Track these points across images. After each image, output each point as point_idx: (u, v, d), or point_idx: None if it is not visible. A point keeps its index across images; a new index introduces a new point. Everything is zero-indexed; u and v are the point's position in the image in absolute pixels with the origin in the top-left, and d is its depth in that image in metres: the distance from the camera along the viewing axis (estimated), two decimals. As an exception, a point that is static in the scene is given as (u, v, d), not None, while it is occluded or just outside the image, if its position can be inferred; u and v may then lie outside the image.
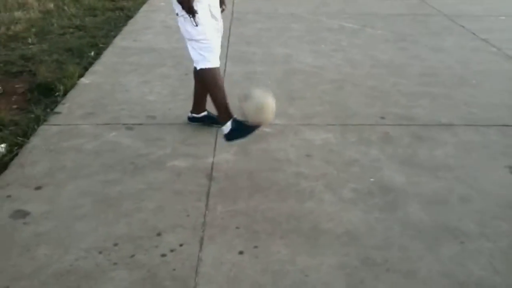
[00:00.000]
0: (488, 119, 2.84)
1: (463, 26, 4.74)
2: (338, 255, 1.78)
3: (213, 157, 2.40)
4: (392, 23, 4.82)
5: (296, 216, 1.99)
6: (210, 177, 2.24)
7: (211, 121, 2.66)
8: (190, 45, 2.32)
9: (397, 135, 2.65)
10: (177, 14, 2.27)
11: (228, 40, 4.07)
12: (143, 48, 3.96)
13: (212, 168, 2.31)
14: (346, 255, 1.78)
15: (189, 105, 2.69)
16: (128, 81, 3.30)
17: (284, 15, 5.04)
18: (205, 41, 2.27)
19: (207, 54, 2.29)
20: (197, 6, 2.18)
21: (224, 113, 2.32)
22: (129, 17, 4.82)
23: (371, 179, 2.25)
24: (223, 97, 2.33)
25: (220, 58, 3.64)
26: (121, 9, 5.05)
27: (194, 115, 2.68)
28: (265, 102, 2.21)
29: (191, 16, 2.18)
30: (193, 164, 2.34)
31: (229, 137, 2.34)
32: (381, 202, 2.08)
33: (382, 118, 2.86)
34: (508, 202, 2.09)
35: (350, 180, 2.25)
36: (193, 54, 2.32)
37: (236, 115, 2.31)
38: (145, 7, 5.17)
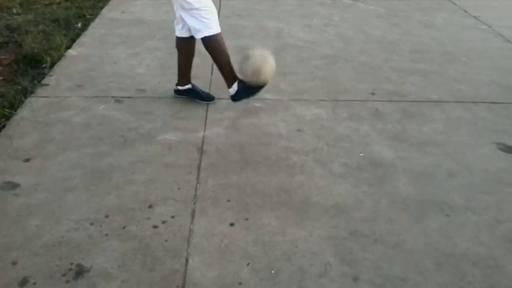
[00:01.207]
0: (477, 96, 2.87)
1: (454, 3, 4.72)
2: (327, 227, 1.81)
3: (204, 131, 2.40)
4: (385, -1, 4.77)
5: (286, 189, 2.02)
6: (201, 151, 2.24)
7: (194, 96, 2.65)
8: (189, 15, 2.30)
9: (387, 111, 2.66)
10: None
11: (219, 14, 3.98)
12: (131, 20, 3.87)
13: (203, 142, 2.31)
14: (335, 227, 1.81)
15: (180, 77, 2.66)
16: (117, 54, 3.24)
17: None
18: (205, 8, 2.28)
19: (208, 20, 2.30)
20: None
21: (230, 76, 2.43)
22: (117, -12, 4.68)
23: (361, 154, 2.27)
24: (228, 61, 2.42)
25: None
26: (109, -21, 4.90)
27: (179, 87, 2.66)
28: (262, 65, 2.30)
29: None
30: (183, 138, 2.33)
31: (235, 97, 2.47)
32: (370, 177, 2.11)
33: (373, 94, 2.87)
34: (494, 177, 2.14)
35: (340, 154, 2.27)
36: (193, 23, 2.31)
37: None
38: (133, -22, 5.03)
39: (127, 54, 3.23)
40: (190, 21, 2.33)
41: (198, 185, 2.01)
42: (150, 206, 1.88)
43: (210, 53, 2.43)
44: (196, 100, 2.64)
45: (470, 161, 2.24)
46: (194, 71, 2.96)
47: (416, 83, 3.02)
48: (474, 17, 4.33)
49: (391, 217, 1.87)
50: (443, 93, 2.90)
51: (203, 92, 2.68)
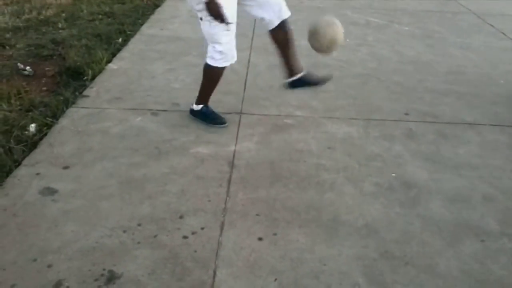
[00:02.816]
0: (515, 120, 2.79)
1: (492, 25, 4.63)
2: (356, 246, 1.79)
3: (235, 145, 2.44)
4: (420, 20, 4.75)
5: (315, 206, 2.01)
6: (231, 165, 2.27)
7: (309, 83, 2.65)
8: (211, 46, 2.36)
9: (420, 132, 2.63)
10: (201, 19, 2.27)
11: (253, 31, 4.08)
12: (169, 37, 4.01)
13: (234, 156, 2.34)
14: (365, 247, 1.79)
15: (214, 92, 2.71)
16: (154, 68, 3.36)
17: (310, 8, 5.01)
18: (218, 45, 2.32)
19: (227, 55, 2.35)
20: (224, 7, 2.18)
21: (203, 99, 2.60)
22: (157, 6, 4.88)
23: (393, 174, 2.24)
24: (211, 92, 2.57)
25: (245, 49, 3.68)
26: (149, -3, 5.12)
27: (293, 79, 2.63)
28: (334, 33, 2.41)
29: (220, 21, 2.20)
30: (215, 152, 2.38)
31: (193, 113, 2.64)
32: (402, 197, 2.08)
33: (406, 114, 2.84)
34: (532, 204, 2.06)
35: (371, 174, 2.25)
36: (211, 52, 2.36)
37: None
38: (172, -4, 5.23)
39: (164, 69, 3.34)
40: (208, 48, 2.37)
41: (228, 198, 2.04)
42: (181, 217, 1.92)
43: (205, 78, 2.51)
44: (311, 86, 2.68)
45: (507, 186, 2.17)
46: (228, 87, 3.04)
47: (451, 104, 2.97)
48: (513, 39, 4.23)
49: (423, 240, 1.83)
50: (478, 115, 2.83)
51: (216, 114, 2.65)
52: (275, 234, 1.85)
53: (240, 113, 2.77)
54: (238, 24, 2.36)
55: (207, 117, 2.61)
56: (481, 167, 2.31)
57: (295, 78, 2.64)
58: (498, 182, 2.20)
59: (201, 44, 3.83)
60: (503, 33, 4.41)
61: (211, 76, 2.48)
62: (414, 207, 2.01)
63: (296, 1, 5.22)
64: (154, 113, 2.74)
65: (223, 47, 2.32)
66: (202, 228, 1.85)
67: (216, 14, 2.18)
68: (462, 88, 3.19)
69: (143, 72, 3.29)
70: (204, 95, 2.59)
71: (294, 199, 2.06)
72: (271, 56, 3.63)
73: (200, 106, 2.61)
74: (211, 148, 2.41)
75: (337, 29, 2.39)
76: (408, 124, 2.71)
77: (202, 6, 2.19)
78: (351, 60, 3.66)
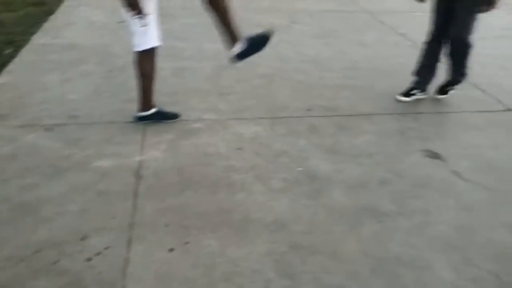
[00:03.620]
0: (405, 108, 3.06)
1: (383, 22, 5.04)
2: (266, 243, 1.82)
3: (141, 155, 2.35)
4: (319, 20, 5.00)
5: (226, 208, 2.01)
6: (137, 176, 2.19)
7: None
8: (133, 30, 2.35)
9: (322, 126, 2.76)
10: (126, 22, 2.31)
11: (156, 36, 3.98)
12: (64, 45, 3.76)
13: (139, 167, 2.26)
14: (275, 242, 1.83)
15: (114, 102, 2.61)
16: (48, 80, 3.12)
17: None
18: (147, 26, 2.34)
19: (150, 34, 2.38)
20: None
21: (148, 101, 2.57)
22: (50, 13, 4.54)
23: (299, 169, 2.32)
24: (152, 89, 2.57)
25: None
26: (42, 3, 4.75)
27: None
28: None
29: (139, 17, 2.24)
30: (119, 164, 2.27)
31: (145, 118, 2.60)
32: (308, 190, 2.16)
33: (309, 110, 2.97)
34: (421, 182, 2.27)
35: (279, 170, 2.31)
36: (135, 40, 2.38)
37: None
38: (67, 2, 4.91)
39: (59, 80, 3.12)
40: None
41: (134, 211, 1.96)
42: (83, 238, 1.79)
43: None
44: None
45: (400, 169, 2.37)
46: (131, 94, 2.92)
47: (348, 98, 3.16)
48: (400, 34, 4.64)
49: (328, 228, 1.92)
50: (373, 106, 3.06)
51: (168, 112, 2.69)
52: (187, 243, 1.81)
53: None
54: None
55: (165, 115, 2.64)
56: (377, 154, 2.49)
57: (239, 49, 2.55)
58: (392, 167, 2.38)
59: (99, 51, 3.68)
60: (392, 29, 4.82)
61: (145, 66, 2.46)
62: (319, 198, 2.11)
63: (198, 3, 5.20)
64: (49, 128, 2.54)
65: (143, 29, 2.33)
66: (107, 248, 1.75)
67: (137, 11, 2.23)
68: (357, 82, 3.42)
69: (36, 84, 3.04)
70: (148, 96, 2.55)
71: (205, 204, 2.04)
72: (177, 61, 3.58)
73: (152, 110, 2.60)
74: (114, 160, 2.29)
75: None
76: (311, 120, 2.83)
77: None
78: (256, 61, 3.72)
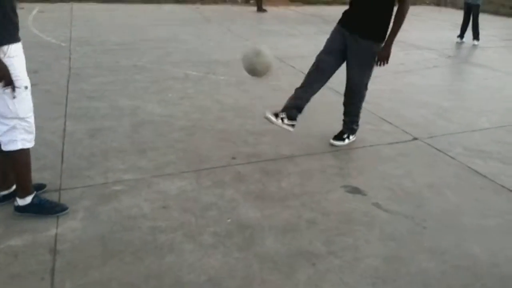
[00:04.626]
0: (323, 147, 3.21)
1: (293, 67, 5.36)
2: (202, 306, 1.73)
3: (56, 227, 2.15)
4: (233, 68, 5.17)
5: (155, 274, 1.89)
6: (54, 251, 1.99)
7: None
8: (10, 125, 2.06)
9: (248, 173, 2.78)
10: None
11: (67, 98, 3.82)
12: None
13: (55, 241, 2.06)
14: (210, 304, 1.74)
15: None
16: None
17: (127, 67, 4.98)
18: (30, 119, 2.12)
19: (30, 135, 2.14)
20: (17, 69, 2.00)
21: (27, 188, 2.22)
22: None
23: (228, 220, 2.29)
24: (30, 176, 2.23)
25: (58, 117, 3.39)
26: None
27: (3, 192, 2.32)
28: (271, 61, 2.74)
29: (10, 88, 1.98)
30: (32, 240, 2.05)
31: (22, 209, 2.23)
32: (240, 241, 2.12)
33: (234, 158, 2.98)
34: (347, 218, 2.35)
35: (209, 224, 2.25)
36: (12, 135, 2.07)
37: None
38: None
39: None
40: (7, 132, 2.07)
41: (52, 292, 1.76)
42: (-11, 335, 1.56)
43: (18, 165, 2.17)
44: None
45: (325, 207, 2.44)
46: (42, 162, 2.72)
47: (270, 142, 3.25)
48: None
49: (263, 278, 1.89)
50: (294, 148, 3.17)
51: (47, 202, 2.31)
52: (113, 320, 1.66)
53: (59, 189, 2.49)
54: (48, 91, 2.15)
55: (43, 207, 2.24)
56: (303, 195, 2.56)
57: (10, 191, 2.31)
58: (317, 206, 2.45)
59: None
60: (302, 72, 5.11)
61: (25, 159, 2.17)
62: (251, 247, 2.08)
63: (112, 62, 5.13)
64: None
65: (31, 121, 2.11)
66: None
67: (5, 77, 1.94)
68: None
69: None
70: (26, 184, 2.22)
71: (132, 273, 1.90)
72: (91, 121, 3.44)
73: (30, 197, 2.22)
74: (26, 237, 2.07)
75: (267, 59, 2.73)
76: (236, 168, 2.85)
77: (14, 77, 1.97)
78: (175, 114, 3.73)
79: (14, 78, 1.99)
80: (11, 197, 2.30)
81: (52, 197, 2.40)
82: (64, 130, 3.21)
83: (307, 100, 3.11)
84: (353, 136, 3.31)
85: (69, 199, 2.39)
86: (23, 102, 2.06)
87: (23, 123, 2.09)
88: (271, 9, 10.37)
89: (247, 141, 3.26)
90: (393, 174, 2.86)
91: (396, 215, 2.40)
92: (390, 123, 3.74)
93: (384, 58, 2.96)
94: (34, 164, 2.47)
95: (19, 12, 2.10)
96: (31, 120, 2.14)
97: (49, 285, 1.80)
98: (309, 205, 2.44)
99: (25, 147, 2.13)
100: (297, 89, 3.14)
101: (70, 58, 4.96)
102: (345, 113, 3.26)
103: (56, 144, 3.01)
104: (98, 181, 2.61)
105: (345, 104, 3.24)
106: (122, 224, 2.23)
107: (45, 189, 2.45)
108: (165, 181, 2.65)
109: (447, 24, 10.32)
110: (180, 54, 5.67)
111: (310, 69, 3.14)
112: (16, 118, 2.06)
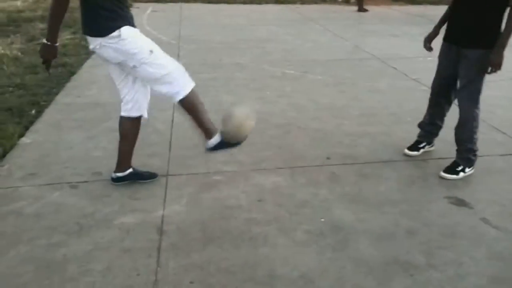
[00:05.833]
0: (426, 153, 3.04)
1: (395, 68, 5.14)
2: (294, 300, 1.77)
3: (163, 210, 2.36)
4: (331, 68, 5.13)
5: (250, 264, 1.98)
6: (160, 232, 2.19)
7: (137, 178, 2.59)
8: (160, 84, 2.31)
9: (343, 174, 2.75)
10: (134, 67, 2.25)
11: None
12: (87, 103, 3.91)
13: (162, 222, 2.26)
14: (303, 299, 1.77)
15: (136, 157, 2.64)
16: (72, 138, 3.21)
17: (229, 64, 5.21)
18: (173, 72, 2.31)
19: (181, 80, 2.33)
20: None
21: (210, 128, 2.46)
22: (72, 73, 4.76)
23: (322, 219, 2.29)
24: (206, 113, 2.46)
25: (167, 109, 3.67)
26: (64, 65, 4.99)
27: (119, 174, 2.56)
28: (244, 122, 2.41)
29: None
30: (142, 219, 2.28)
31: (214, 148, 2.46)
32: (333, 242, 2.12)
33: (328, 158, 2.97)
34: (450, 231, 2.21)
35: (302, 221, 2.28)
36: (167, 89, 2.32)
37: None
38: (88, 62, 5.15)
39: (83, 138, 3.22)
40: (162, 90, 2.32)
41: (158, 268, 1.94)
42: (108, 298, 1.77)
43: (191, 110, 2.42)
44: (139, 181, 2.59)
45: (426, 217, 2.31)
46: (152, 149, 2.98)
47: (367, 145, 3.17)
48: (414, 79, 4.70)
49: (356, 283, 1.86)
50: (392, 152, 3.05)
51: (144, 172, 2.63)
52: (211, 301, 1.77)
53: (167, 175, 2.72)
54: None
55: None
56: (401, 202, 2.45)
57: (126, 173, 2.57)
58: (418, 215, 2.33)
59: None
60: (405, 74, 4.90)
61: (194, 102, 2.38)
62: (345, 250, 2.06)
63: (216, 59, 5.41)
64: (73, 186, 2.59)
65: (172, 71, 2.30)
66: (132, 307, 1.72)
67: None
68: (375, 129, 3.44)
69: (60, 143, 3.14)
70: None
71: (229, 259, 2.01)
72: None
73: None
74: (137, 216, 2.30)
75: (248, 122, 2.45)
76: (331, 168, 2.83)
77: (136, 50, 2.20)
78: (272, 111, 3.81)
79: (132, 52, 2.20)
80: (125, 179, 2.57)
81: (161, 181, 2.63)
82: (172, 120, 3.48)
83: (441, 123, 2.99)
84: (470, 169, 2.76)
85: (175, 185, 2.60)
86: (156, 62, 2.26)
87: (167, 77, 2.29)
88: (372, 9, 10.02)
89: (342, 142, 3.22)
90: (505, 188, 2.61)
91: (506, 233, 2.19)
92: (504, 133, 3.40)
93: (496, 64, 2.64)
94: (146, 150, 2.74)
95: (135, 11, 2.32)
96: (175, 70, 2.32)
97: (155, 262, 1.98)
98: (408, 214, 2.34)
99: (186, 92, 2.32)
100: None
101: (178, 55, 5.33)
102: (456, 141, 2.78)
103: (165, 133, 3.28)
104: (201, 170, 2.79)
105: (455, 129, 2.77)
106: (220, 213, 2.36)
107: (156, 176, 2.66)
108: (261, 176, 2.74)
109: None
110: (279, 54, 5.77)
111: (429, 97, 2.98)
112: (162, 77, 2.28)
